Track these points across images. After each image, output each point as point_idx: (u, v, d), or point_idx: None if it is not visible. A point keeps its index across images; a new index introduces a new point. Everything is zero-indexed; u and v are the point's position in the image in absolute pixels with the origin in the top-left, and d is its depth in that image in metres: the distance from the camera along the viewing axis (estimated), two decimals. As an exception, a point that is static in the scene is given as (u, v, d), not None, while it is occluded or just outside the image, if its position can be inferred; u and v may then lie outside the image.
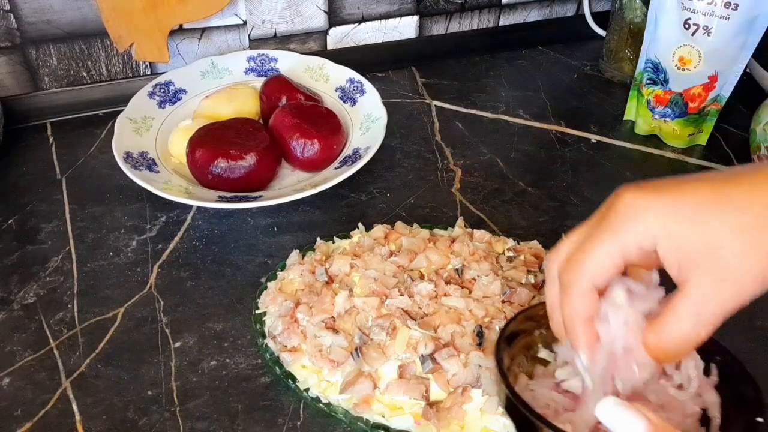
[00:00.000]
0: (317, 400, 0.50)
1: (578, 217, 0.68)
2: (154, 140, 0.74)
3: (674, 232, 0.32)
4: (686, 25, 0.74)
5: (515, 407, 0.38)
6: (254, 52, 0.85)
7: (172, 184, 0.67)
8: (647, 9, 0.77)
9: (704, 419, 0.40)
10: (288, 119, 0.71)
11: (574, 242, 0.37)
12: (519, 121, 0.84)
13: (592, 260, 0.35)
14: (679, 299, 0.33)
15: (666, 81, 0.78)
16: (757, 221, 0.31)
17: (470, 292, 0.55)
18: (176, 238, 0.65)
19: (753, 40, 0.72)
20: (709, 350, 0.40)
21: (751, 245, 0.32)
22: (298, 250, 0.61)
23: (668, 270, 0.34)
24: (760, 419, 0.37)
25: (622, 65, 0.91)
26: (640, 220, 0.33)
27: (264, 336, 0.54)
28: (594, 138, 0.81)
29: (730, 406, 0.40)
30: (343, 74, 0.83)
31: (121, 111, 0.74)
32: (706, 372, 0.41)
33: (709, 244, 0.32)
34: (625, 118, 0.85)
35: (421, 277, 0.57)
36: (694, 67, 0.75)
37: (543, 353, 0.46)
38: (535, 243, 0.62)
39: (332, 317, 0.53)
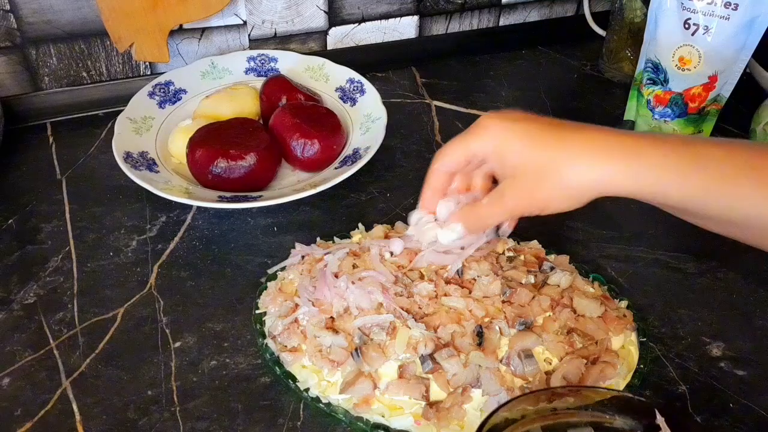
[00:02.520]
0: (317, 400, 0.50)
1: (578, 217, 0.69)
2: (154, 140, 0.74)
3: (501, 151, 0.46)
4: (686, 25, 0.74)
5: None
6: (254, 52, 0.85)
7: (172, 184, 0.67)
8: (647, 9, 0.77)
9: None
10: (288, 119, 0.71)
11: None
12: (519, 121, 0.84)
13: (445, 153, 0.50)
14: (490, 193, 0.48)
15: (666, 81, 0.78)
16: (552, 164, 0.44)
17: (470, 292, 0.55)
18: (176, 238, 0.65)
19: (753, 40, 0.72)
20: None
21: (540, 178, 0.44)
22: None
23: (494, 170, 0.49)
24: None
25: (622, 65, 0.91)
26: (484, 136, 0.47)
27: (264, 336, 0.54)
28: (594, 138, 0.81)
29: None
30: (343, 74, 0.83)
31: (121, 111, 0.74)
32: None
33: (520, 167, 0.45)
34: (625, 118, 0.85)
35: (421, 277, 0.57)
36: (694, 67, 0.75)
37: None
38: (535, 243, 0.62)
39: (332, 317, 0.53)
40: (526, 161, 0.45)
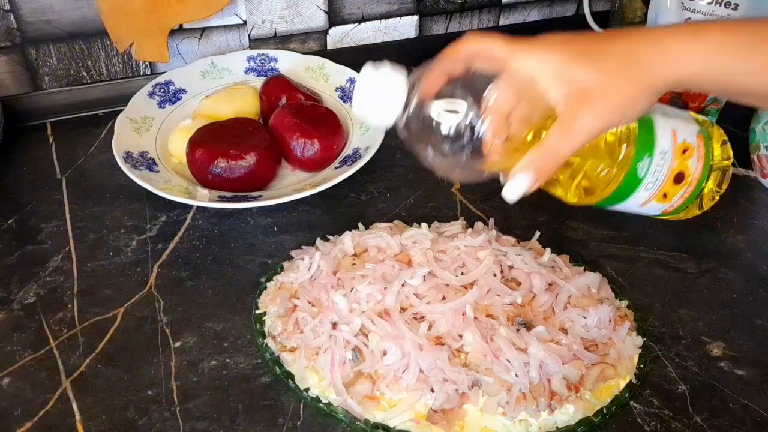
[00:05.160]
0: (317, 400, 0.50)
1: (578, 217, 0.69)
2: (154, 140, 0.74)
3: (552, 71, 0.42)
4: (686, 25, 0.74)
5: None
6: (254, 52, 0.85)
7: (172, 184, 0.67)
8: (647, 9, 0.77)
9: None
10: (288, 119, 0.71)
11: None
12: (519, 121, 0.84)
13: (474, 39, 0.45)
14: (557, 121, 0.42)
15: (666, 81, 0.78)
16: (614, 65, 0.41)
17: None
18: (176, 238, 0.65)
19: (753, 40, 0.72)
20: None
21: (609, 83, 0.41)
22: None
23: (548, 99, 0.42)
24: None
25: (622, 65, 0.91)
26: (528, 61, 0.43)
27: (264, 336, 0.54)
28: (594, 138, 0.81)
29: None
30: (343, 74, 0.83)
31: (121, 111, 0.74)
32: None
33: (579, 83, 0.41)
34: (625, 118, 0.85)
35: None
36: (694, 67, 0.75)
37: None
38: (535, 243, 0.62)
39: (332, 317, 0.53)
40: (587, 71, 0.41)
